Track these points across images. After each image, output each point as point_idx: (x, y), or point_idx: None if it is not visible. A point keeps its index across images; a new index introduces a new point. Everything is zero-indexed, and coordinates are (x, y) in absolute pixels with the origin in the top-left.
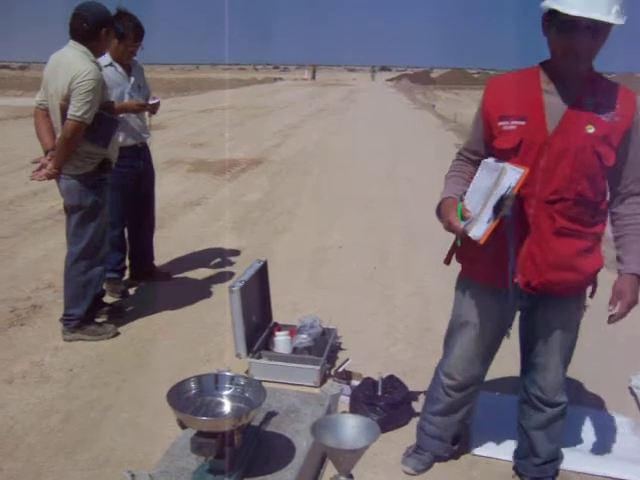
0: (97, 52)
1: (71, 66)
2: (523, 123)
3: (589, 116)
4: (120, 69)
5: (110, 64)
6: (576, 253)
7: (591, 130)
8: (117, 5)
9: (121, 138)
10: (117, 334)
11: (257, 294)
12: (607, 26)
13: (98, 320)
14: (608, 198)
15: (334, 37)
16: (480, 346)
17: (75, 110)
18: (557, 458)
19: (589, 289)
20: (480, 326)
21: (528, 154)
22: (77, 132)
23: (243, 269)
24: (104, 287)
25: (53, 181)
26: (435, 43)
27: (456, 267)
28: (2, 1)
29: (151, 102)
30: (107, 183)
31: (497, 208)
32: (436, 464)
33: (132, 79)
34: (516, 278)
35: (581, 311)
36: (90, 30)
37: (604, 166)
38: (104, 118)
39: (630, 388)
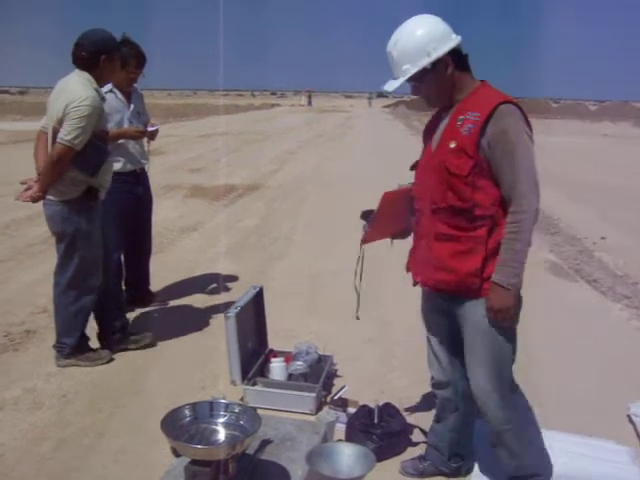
0: (100, 80)
1: (71, 91)
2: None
3: (454, 133)
4: (120, 96)
5: (110, 90)
6: (450, 255)
7: (452, 145)
8: (122, 33)
9: (121, 164)
10: (111, 360)
11: (253, 320)
12: (422, 74)
13: (92, 346)
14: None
15: (331, 64)
16: (434, 343)
17: (65, 134)
18: (534, 474)
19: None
20: (426, 322)
21: (419, 171)
22: (64, 156)
23: (239, 295)
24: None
25: None
26: None
27: None
28: (2, 28)
29: (150, 129)
30: (95, 211)
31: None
32: None
33: (132, 106)
34: (417, 277)
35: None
36: (89, 58)
37: (460, 175)
38: (95, 146)
39: (629, 416)
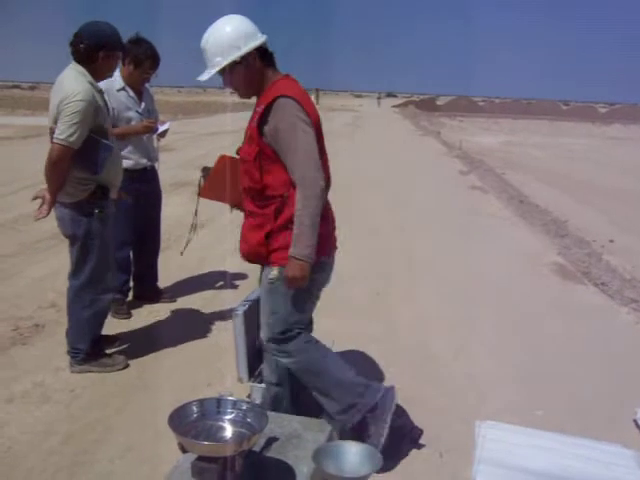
0: (96, 75)
1: (63, 87)
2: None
3: (250, 123)
4: (132, 93)
5: (122, 88)
6: (248, 229)
7: (248, 134)
8: (136, 32)
9: (131, 161)
10: (127, 366)
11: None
12: (232, 66)
13: (108, 351)
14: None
15: (340, 63)
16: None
17: (59, 133)
18: (349, 406)
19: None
20: None
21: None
22: (62, 156)
23: (246, 293)
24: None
25: None
26: (441, 70)
27: (454, 292)
28: (14, 22)
29: (162, 128)
30: (106, 211)
31: None
32: None
33: (143, 104)
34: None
35: (274, 283)
36: (86, 52)
37: (249, 161)
38: (96, 142)
39: (635, 421)
